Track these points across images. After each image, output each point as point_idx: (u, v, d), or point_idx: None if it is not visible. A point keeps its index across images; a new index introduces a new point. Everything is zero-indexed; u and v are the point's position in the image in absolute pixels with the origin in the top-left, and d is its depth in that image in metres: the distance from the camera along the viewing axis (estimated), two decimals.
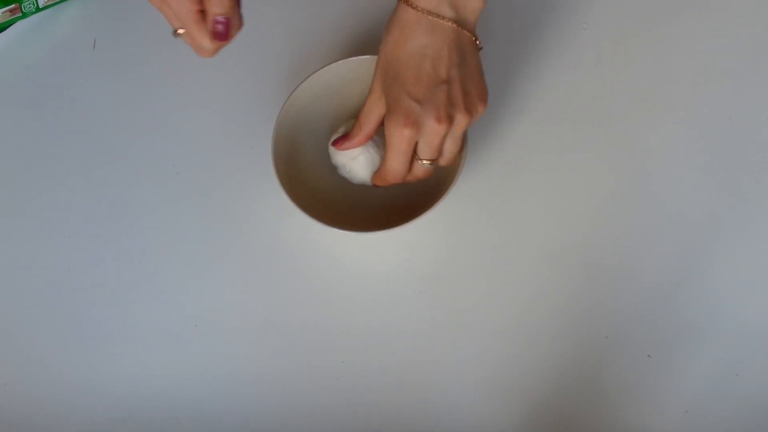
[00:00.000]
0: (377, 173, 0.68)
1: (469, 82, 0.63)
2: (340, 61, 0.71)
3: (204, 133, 0.78)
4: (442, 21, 0.61)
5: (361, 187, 0.72)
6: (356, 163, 0.70)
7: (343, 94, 0.73)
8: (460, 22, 0.62)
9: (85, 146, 0.78)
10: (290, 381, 0.71)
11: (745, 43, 0.77)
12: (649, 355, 0.69)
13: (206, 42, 0.60)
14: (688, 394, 0.68)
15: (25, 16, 0.81)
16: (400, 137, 0.62)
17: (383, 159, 0.66)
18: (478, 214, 0.74)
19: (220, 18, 0.59)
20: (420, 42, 0.61)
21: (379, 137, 0.69)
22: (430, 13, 0.61)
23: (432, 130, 0.62)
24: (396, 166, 0.65)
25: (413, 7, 0.61)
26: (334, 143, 0.68)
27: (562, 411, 0.68)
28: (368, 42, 0.79)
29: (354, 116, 0.74)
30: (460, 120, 0.62)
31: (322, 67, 0.71)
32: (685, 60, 0.76)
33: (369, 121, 0.66)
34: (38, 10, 0.81)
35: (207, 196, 0.76)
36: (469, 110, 0.63)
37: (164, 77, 0.80)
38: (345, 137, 0.67)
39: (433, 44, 0.61)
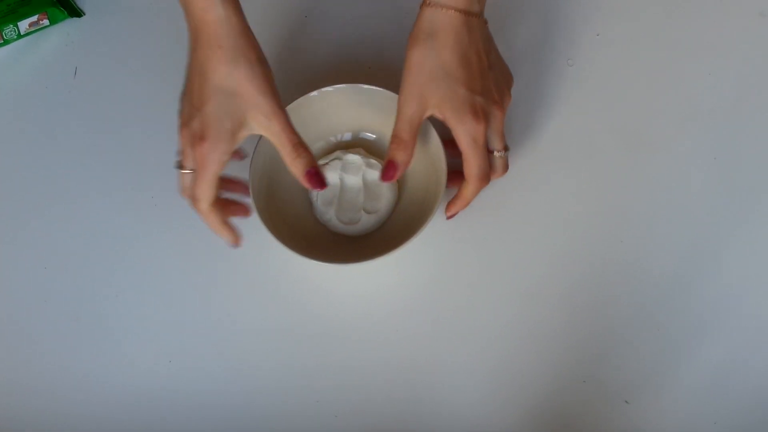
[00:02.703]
0: (462, 192, 0.67)
1: (501, 68, 0.67)
2: (314, 92, 0.72)
3: None
4: (471, 17, 0.63)
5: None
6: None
7: (321, 123, 0.74)
8: (480, 14, 0.65)
9: (63, 175, 0.78)
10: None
11: (729, 83, 0.76)
12: (627, 401, 0.68)
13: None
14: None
15: (6, 43, 0.81)
16: (476, 133, 0.64)
17: (467, 166, 0.65)
18: (456, 248, 0.73)
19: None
20: (459, 39, 0.63)
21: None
22: (458, 10, 0.62)
23: (497, 118, 0.65)
24: (482, 164, 0.65)
25: (441, 7, 0.63)
26: (384, 177, 0.66)
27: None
28: (343, 71, 0.79)
29: (331, 146, 0.75)
30: (506, 103, 0.66)
31: (297, 99, 0.71)
32: (670, 99, 0.76)
33: (411, 132, 0.65)
34: (20, 37, 0.81)
35: (186, 227, 0.75)
36: (509, 94, 0.67)
37: (144, 106, 0.79)
38: (392, 166, 0.66)
39: (470, 39, 0.63)
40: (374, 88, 0.71)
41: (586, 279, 0.71)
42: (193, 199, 0.65)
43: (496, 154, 0.67)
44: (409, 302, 0.72)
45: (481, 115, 0.63)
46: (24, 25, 0.81)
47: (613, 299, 0.70)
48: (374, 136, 0.75)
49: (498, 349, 0.70)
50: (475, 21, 0.64)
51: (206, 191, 0.64)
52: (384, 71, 0.75)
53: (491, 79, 0.65)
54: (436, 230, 0.70)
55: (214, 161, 0.63)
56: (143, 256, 0.75)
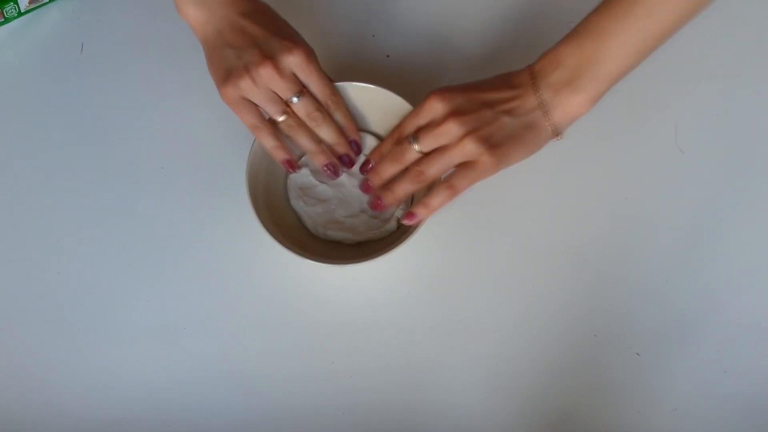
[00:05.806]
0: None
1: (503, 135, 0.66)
2: None
3: (193, 134, 0.78)
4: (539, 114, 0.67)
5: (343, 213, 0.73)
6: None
7: None
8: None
9: (74, 149, 0.78)
10: (279, 382, 0.71)
11: (732, 45, 0.77)
12: (638, 353, 0.69)
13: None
14: (677, 391, 0.68)
15: (7, 21, 0.80)
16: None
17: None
18: (467, 223, 0.74)
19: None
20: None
21: None
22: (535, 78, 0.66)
23: (484, 165, 0.67)
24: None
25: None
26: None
27: (552, 411, 0.69)
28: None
29: None
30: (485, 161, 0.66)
31: None
32: (675, 60, 0.76)
33: None
34: (20, 14, 0.81)
35: (196, 198, 0.76)
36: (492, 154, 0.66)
37: (154, 79, 0.79)
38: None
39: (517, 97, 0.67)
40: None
41: (595, 236, 0.72)
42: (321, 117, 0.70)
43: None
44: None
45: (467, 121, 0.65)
46: (24, 1, 0.80)
47: (623, 254, 0.72)
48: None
49: (511, 304, 0.71)
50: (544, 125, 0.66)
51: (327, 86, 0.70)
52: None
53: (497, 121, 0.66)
54: (443, 213, 0.70)
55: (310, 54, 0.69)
56: (154, 227, 0.75)
